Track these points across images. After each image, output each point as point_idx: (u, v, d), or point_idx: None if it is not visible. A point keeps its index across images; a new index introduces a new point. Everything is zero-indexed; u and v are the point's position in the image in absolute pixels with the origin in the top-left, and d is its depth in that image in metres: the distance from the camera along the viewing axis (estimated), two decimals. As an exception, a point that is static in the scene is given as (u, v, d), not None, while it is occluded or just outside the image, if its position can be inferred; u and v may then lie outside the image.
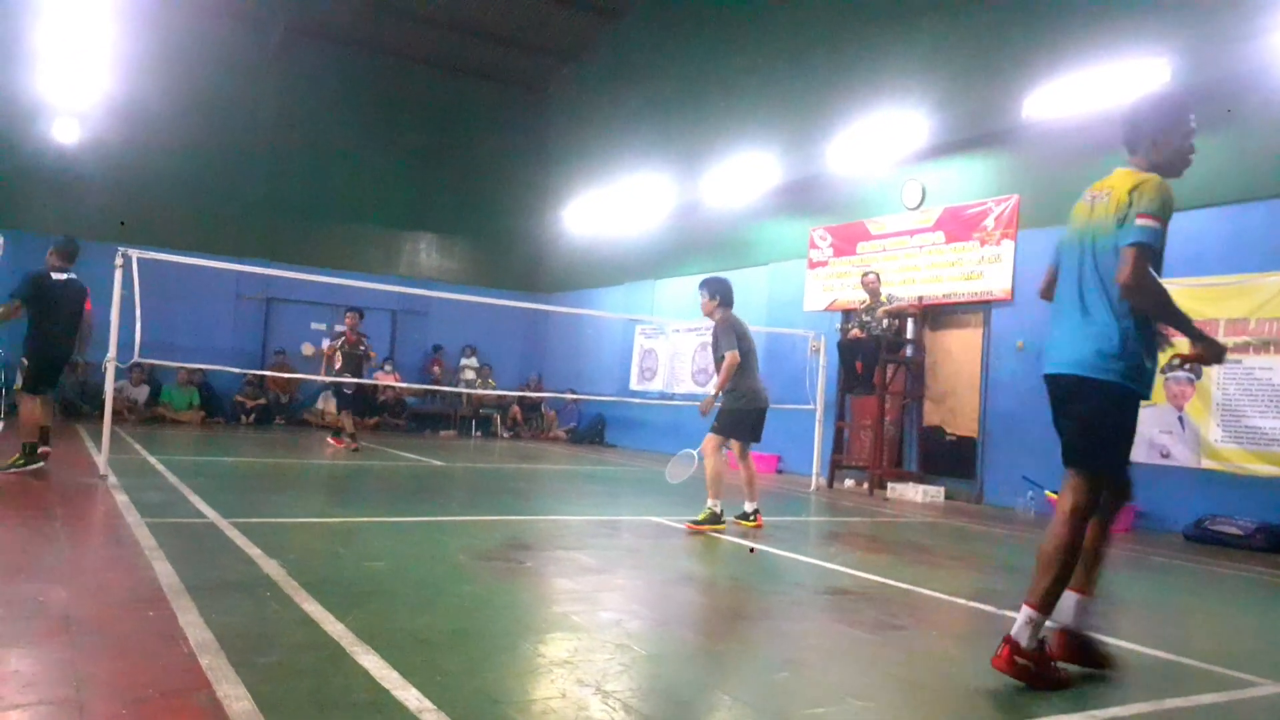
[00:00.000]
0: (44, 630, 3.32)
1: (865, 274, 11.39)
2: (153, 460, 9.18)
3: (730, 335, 7.10)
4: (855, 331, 11.22)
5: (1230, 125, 8.71)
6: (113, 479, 7.32)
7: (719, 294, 7.25)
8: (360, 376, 12.49)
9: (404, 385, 16.33)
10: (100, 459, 7.67)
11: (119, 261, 7.58)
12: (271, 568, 4.49)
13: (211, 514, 6.03)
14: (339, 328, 13.07)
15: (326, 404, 16.67)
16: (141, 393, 15.26)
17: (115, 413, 8.86)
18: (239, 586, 4.13)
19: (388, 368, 17.21)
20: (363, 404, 13.16)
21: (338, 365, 12.30)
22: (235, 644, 3.20)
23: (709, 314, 7.33)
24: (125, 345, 7.60)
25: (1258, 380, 8.27)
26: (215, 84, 16.81)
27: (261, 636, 3.38)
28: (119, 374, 8.80)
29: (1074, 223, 3.66)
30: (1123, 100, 11.22)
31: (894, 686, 3.46)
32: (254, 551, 4.86)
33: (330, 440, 12.67)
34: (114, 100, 15.66)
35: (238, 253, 15.93)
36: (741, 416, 7.15)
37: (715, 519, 6.87)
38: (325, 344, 13.25)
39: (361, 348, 12.43)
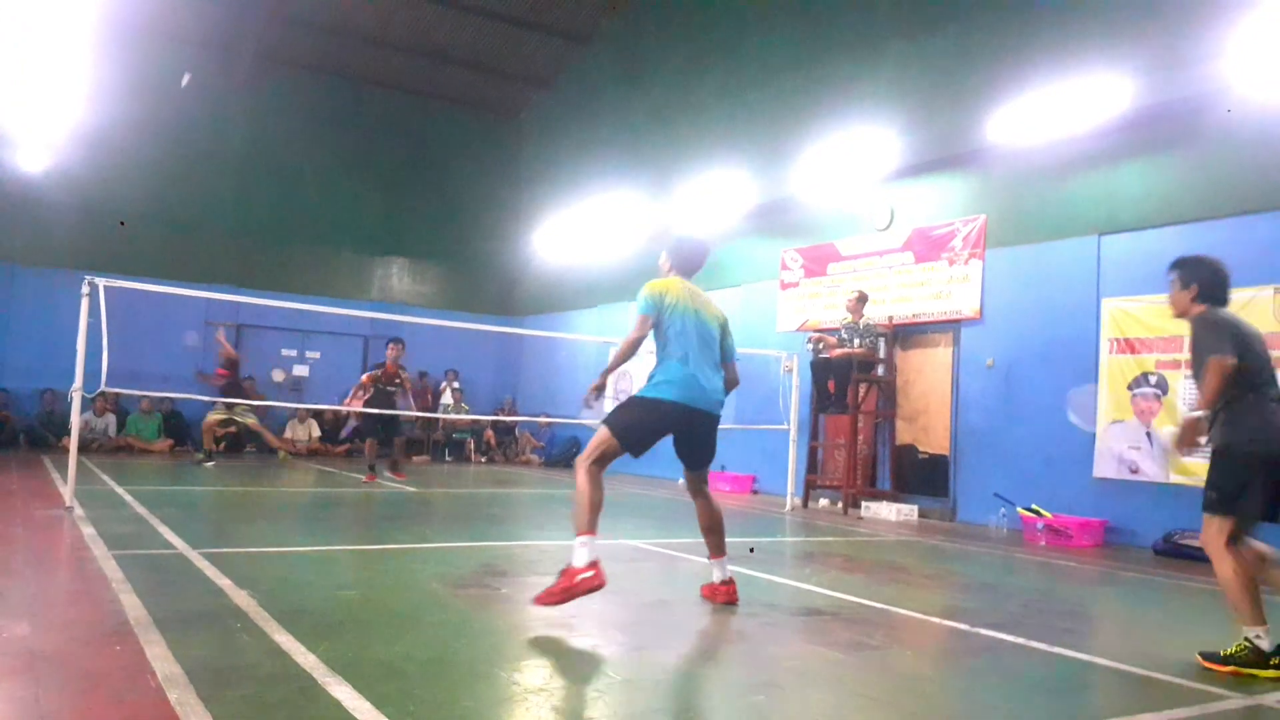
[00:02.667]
0: (7, 667, 3.25)
1: (851, 294, 11.40)
2: (120, 491, 9.04)
3: (1217, 332, 4.28)
4: (830, 340, 11.24)
5: (1190, 145, 8.90)
6: (79, 510, 7.19)
7: (1197, 281, 4.50)
8: (391, 408, 11.88)
9: (421, 414, 16.12)
10: (66, 490, 7.53)
11: (85, 290, 7.49)
12: (242, 599, 4.43)
13: (180, 545, 5.94)
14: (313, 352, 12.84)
15: (295, 431, 16.53)
16: (108, 422, 15.04)
17: (82, 444, 8.71)
18: (208, 618, 4.07)
19: (452, 387, 17.31)
20: (391, 432, 12.29)
21: (368, 397, 11.78)
22: (204, 677, 3.15)
23: (1181, 313, 4.58)
24: (92, 374, 7.50)
25: (1222, 395, 8.38)
26: (184, 111, 16.70)
27: (231, 669, 3.33)
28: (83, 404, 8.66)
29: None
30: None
31: (869, 707, 3.46)
32: (224, 582, 4.79)
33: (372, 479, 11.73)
34: (82, 128, 15.50)
35: (207, 279, 15.84)
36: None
37: (1258, 656, 4.03)
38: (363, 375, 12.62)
39: (398, 380, 11.91)
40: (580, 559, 4.40)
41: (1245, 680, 3.93)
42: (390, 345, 12.00)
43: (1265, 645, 4.00)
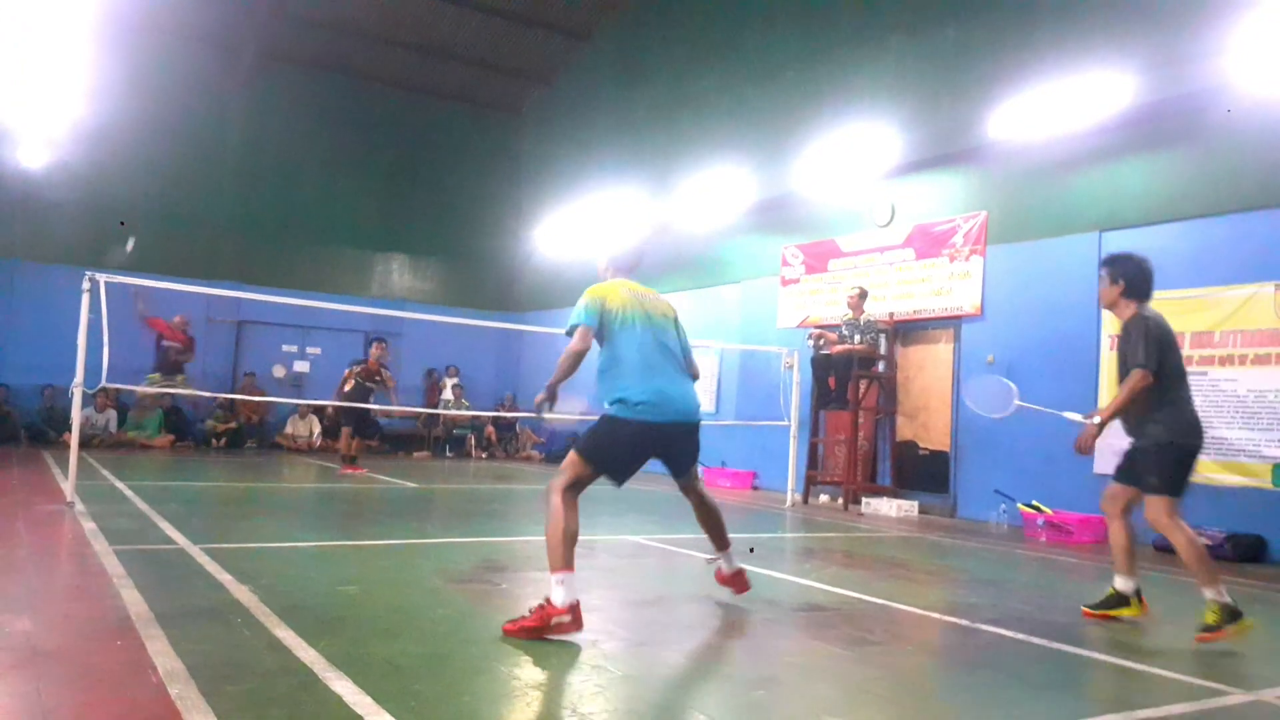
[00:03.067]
0: (9, 662, 3.25)
1: (852, 290, 11.39)
2: (121, 486, 9.05)
3: (1147, 342, 4.78)
4: (831, 336, 11.22)
5: (1191, 142, 8.89)
6: (80, 506, 7.20)
7: (1124, 277, 5.00)
8: (366, 403, 12.65)
9: (407, 409, 16.26)
10: (67, 485, 7.53)
11: (86, 285, 7.48)
12: (242, 594, 4.43)
13: (181, 540, 5.95)
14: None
15: (296, 427, 16.54)
16: (109, 418, 15.04)
17: (83, 440, 8.71)
18: (209, 614, 4.07)
19: (452, 383, 17.53)
20: (364, 426, 13.26)
21: (347, 389, 12.40)
22: (205, 673, 3.16)
23: (1109, 305, 5.13)
24: (93, 370, 7.49)
25: (1223, 392, 8.40)
26: (185, 108, 16.70)
27: (232, 664, 3.33)
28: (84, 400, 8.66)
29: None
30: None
31: (870, 702, 3.47)
32: (225, 578, 4.80)
33: (347, 470, 12.25)
34: (83, 124, 15.49)
35: (208, 276, 15.81)
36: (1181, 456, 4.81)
37: (1231, 613, 4.56)
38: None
39: (378, 378, 12.57)
40: (559, 599, 4.00)
41: (1245, 676, 3.94)
42: (374, 344, 12.56)
43: (1228, 599, 4.54)
